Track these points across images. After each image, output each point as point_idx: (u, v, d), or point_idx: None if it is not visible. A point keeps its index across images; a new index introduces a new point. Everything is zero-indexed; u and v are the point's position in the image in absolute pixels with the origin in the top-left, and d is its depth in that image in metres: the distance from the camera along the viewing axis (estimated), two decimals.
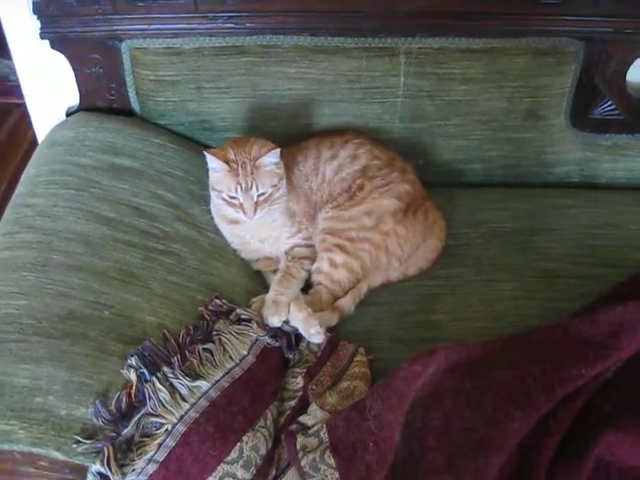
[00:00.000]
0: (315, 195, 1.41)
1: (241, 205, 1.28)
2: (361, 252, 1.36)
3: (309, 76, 1.48)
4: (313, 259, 1.38)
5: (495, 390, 1.18)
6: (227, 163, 1.27)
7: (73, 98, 1.58)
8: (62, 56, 1.50)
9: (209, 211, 1.39)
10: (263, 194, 1.28)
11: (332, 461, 1.15)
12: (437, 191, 1.54)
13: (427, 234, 1.42)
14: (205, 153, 1.29)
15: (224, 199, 1.29)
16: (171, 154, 1.46)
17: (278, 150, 1.29)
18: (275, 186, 1.29)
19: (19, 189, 1.40)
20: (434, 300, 1.38)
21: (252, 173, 1.26)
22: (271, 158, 1.28)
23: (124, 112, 1.52)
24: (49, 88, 1.63)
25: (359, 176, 1.42)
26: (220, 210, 1.36)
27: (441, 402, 1.18)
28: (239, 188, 1.26)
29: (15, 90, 2.28)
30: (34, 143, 1.81)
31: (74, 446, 1.07)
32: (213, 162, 1.29)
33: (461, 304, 1.37)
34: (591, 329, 1.16)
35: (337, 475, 1.14)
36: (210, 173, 1.32)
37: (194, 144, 1.52)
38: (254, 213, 1.28)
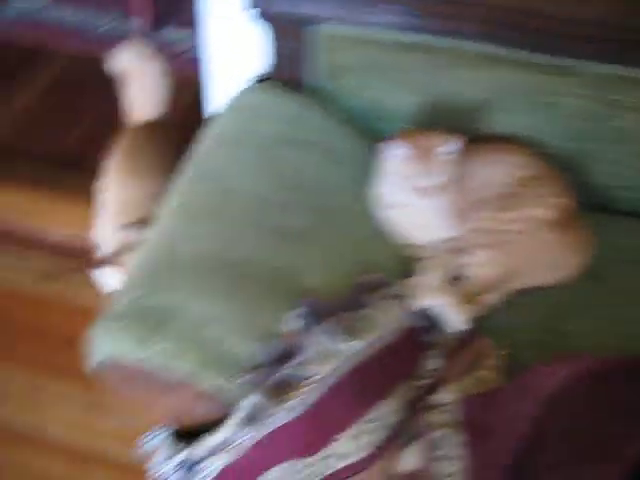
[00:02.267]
0: (473, 195, 1.48)
1: (417, 190, 1.37)
2: (511, 253, 1.43)
3: (486, 84, 1.56)
4: (463, 253, 1.46)
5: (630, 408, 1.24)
6: (408, 148, 1.36)
7: (255, 70, 1.70)
8: (254, 29, 1.63)
9: (372, 195, 1.48)
10: (439, 181, 1.37)
11: (460, 440, 1.23)
12: (584, 213, 1.58)
13: (575, 247, 1.47)
14: (387, 138, 1.39)
15: (399, 183, 1.38)
16: (345, 136, 1.56)
17: (459, 140, 1.37)
18: (449, 176, 1.37)
19: (202, 145, 1.53)
20: (569, 312, 1.43)
21: (431, 160, 1.35)
22: (451, 147, 1.37)
23: (306, 90, 1.64)
24: (232, 59, 1.76)
25: (518, 183, 1.49)
26: (385, 195, 1.45)
27: (573, 406, 1.24)
28: (420, 173, 1.35)
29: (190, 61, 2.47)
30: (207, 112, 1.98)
31: (233, 378, 1.18)
32: (394, 146, 1.38)
33: (594, 320, 1.41)
34: None
35: (464, 453, 1.22)
36: (386, 158, 1.41)
37: (366, 131, 1.61)
38: (428, 198, 1.36)
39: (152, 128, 1.95)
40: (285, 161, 1.46)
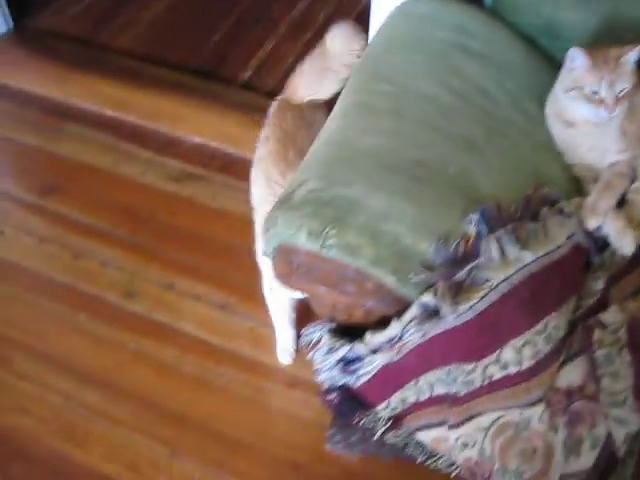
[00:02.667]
0: None
1: (602, 100, 1.33)
2: None
3: None
4: (633, 178, 1.42)
5: None
6: (589, 58, 1.33)
7: None
8: None
9: (548, 110, 1.46)
10: (623, 90, 1.34)
11: (629, 358, 1.22)
12: None
13: None
14: (571, 49, 1.35)
15: (584, 95, 1.35)
16: (518, 49, 1.53)
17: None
18: (631, 86, 1.34)
19: (373, 48, 1.52)
20: None
21: (615, 70, 1.32)
22: (634, 56, 1.33)
23: (478, 2, 1.61)
24: None
25: None
26: (560, 110, 1.43)
27: None
28: (603, 83, 1.32)
29: None
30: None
31: (411, 275, 1.19)
32: (578, 57, 1.34)
33: None
34: None
35: (631, 372, 1.21)
36: (567, 71, 1.38)
37: (540, 47, 1.57)
38: (614, 109, 1.33)
39: (315, 110, 1.73)
40: (458, 69, 1.44)
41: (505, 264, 1.22)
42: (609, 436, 1.21)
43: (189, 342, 1.90)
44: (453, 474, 1.45)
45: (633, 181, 1.42)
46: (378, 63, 1.44)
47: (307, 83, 1.75)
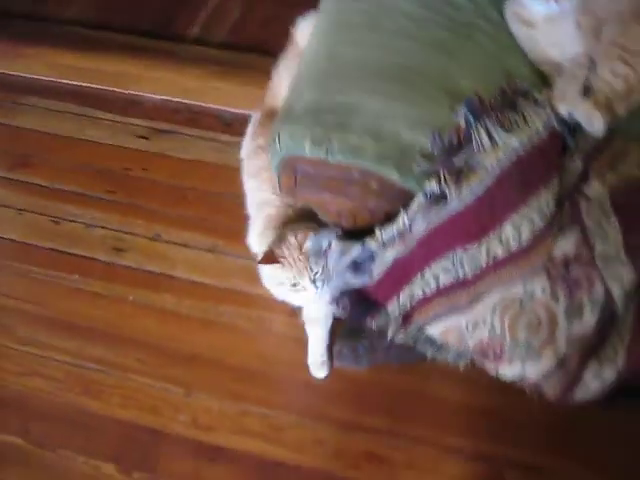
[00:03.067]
0: (604, 10, 1.55)
1: None
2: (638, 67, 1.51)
3: None
4: (592, 67, 1.53)
5: None
6: None
7: None
8: None
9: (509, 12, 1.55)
10: None
11: (616, 223, 1.34)
12: None
13: None
14: None
15: None
16: None
17: None
18: None
19: None
20: None
21: None
22: None
23: None
24: None
25: None
26: (518, 11, 1.52)
27: None
28: None
29: None
30: None
31: (414, 166, 1.28)
32: None
33: None
34: None
35: (619, 233, 1.33)
36: None
37: None
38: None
39: None
40: None
41: (495, 149, 1.32)
42: (608, 295, 1.32)
43: (185, 287, 1.96)
44: (462, 366, 1.56)
45: (593, 69, 1.54)
46: None
47: (286, 86, 1.67)
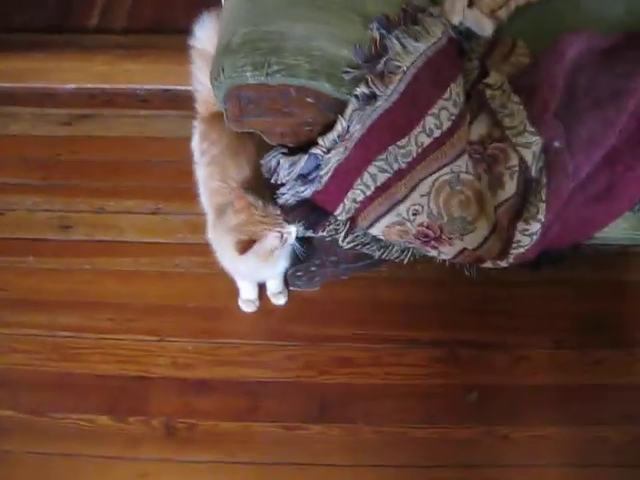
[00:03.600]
0: None
1: None
2: None
3: None
4: None
5: (623, 62, 1.61)
6: None
7: None
8: None
9: None
10: None
11: (517, 99, 1.58)
12: None
13: None
14: None
15: None
16: None
17: None
18: None
19: None
20: (565, 13, 1.76)
21: None
22: None
23: None
24: None
25: None
26: None
27: (585, 69, 1.61)
28: None
29: None
30: None
31: (343, 75, 1.47)
32: None
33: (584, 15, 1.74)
34: None
35: (522, 108, 1.57)
36: None
37: None
38: None
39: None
40: None
41: (407, 54, 1.52)
42: (522, 162, 1.56)
43: (137, 248, 2.09)
44: (405, 260, 1.77)
45: None
46: None
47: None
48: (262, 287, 1.96)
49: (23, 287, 2.03)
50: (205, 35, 1.75)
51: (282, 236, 1.64)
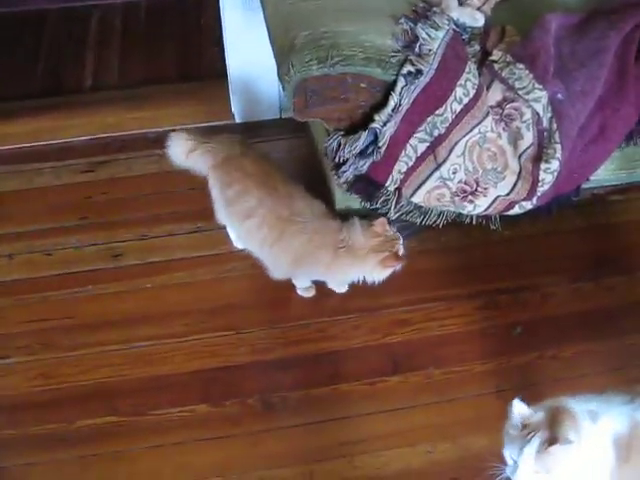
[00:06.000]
0: None
1: None
2: None
3: None
4: None
5: (592, 31, 2.01)
6: None
7: None
8: None
9: None
10: None
11: (521, 66, 1.93)
12: None
13: None
14: None
15: None
16: None
17: None
18: None
19: None
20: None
21: None
22: None
23: None
24: None
25: None
26: None
27: (565, 40, 1.99)
28: None
29: None
30: None
31: (391, 59, 1.78)
32: None
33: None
34: None
35: (526, 73, 1.92)
36: None
37: None
38: None
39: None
40: None
41: (432, 39, 1.85)
42: (534, 114, 1.90)
43: (189, 263, 2.28)
44: (440, 224, 2.06)
45: None
46: None
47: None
48: None
49: (90, 312, 2.16)
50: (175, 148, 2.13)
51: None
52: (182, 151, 2.13)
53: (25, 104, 2.73)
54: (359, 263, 1.97)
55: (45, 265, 2.28)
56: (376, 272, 1.98)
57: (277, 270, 2.09)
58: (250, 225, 2.05)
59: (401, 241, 1.98)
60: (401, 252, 1.97)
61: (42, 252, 2.31)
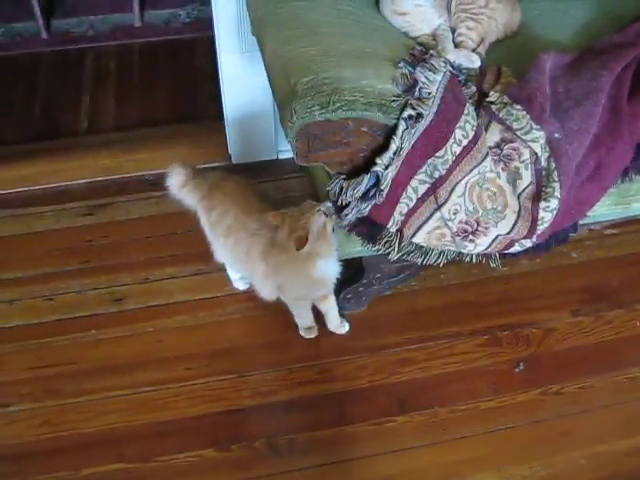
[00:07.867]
0: None
1: None
2: (482, 21, 2.18)
3: None
4: (453, 30, 2.17)
5: (588, 63, 2.05)
6: None
7: None
8: None
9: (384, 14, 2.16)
10: None
11: (519, 107, 1.96)
12: None
13: (514, 8, 2.26)
14: None
15: None
16: None
17: None
18: None
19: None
20: (532, 44, 2.19)
21: None
22: None
23: None
24: None
25: None
26: (393, 7, 2.12)
27: (560, 79, 2.03)
28: None
29: None
30: None
31: (392, 104, 1.81)
32: None
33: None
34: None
35: (524, 113, 1.95)
36: None
37: None
38: None
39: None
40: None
41: (431, 83, 1.88)
42: (532, 154, 1.93)
43: (191, 306, 2.29)
44: (441, 263, 2.08)
45: (454, 31, 2.18)
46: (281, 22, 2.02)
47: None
48: (318, 315, 2.20)
49: (93, 357, 2.16)
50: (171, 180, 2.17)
51: (323, 212, 1.94)
52: (176, 184, 2.17)
53: (21, 148, 2.74)
54: (289, 256, 1.96)
55: (46, 310, 2.28)
56: (309, 263, 1.97)
57: (261, 289, 2.11)
58: (230, 244, 2.09)
59: (324, 205, 1.94)
60: (316, 228, 1.92)
61: (43, 297, 2.31)
